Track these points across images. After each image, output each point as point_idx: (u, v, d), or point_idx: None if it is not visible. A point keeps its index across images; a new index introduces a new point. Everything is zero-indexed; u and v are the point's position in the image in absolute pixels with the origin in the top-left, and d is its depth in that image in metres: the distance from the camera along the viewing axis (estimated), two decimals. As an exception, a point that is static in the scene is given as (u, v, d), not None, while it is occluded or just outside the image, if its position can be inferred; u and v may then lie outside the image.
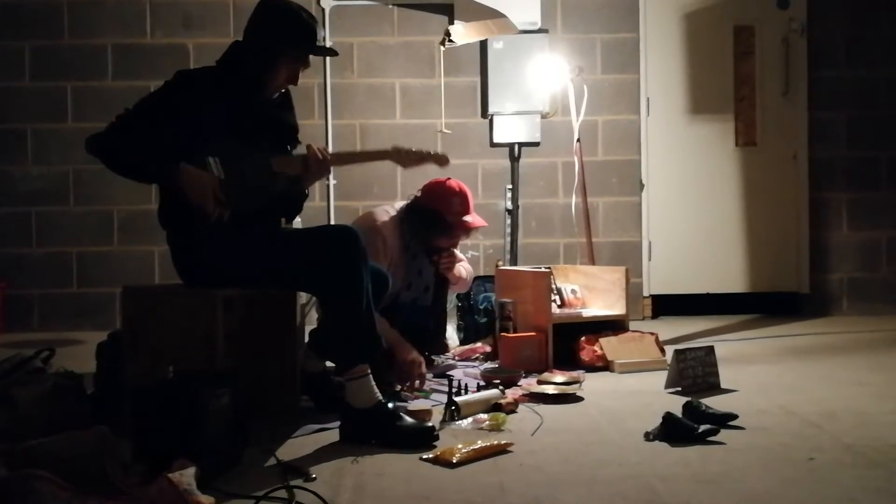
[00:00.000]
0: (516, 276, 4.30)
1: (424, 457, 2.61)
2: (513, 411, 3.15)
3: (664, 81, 5.75)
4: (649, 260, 5.77)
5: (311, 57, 3.07)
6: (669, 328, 5.07)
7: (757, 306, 5.79)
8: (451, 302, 4.42)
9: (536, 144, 5.63)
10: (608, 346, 3.98)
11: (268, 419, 3.01)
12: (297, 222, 4.14)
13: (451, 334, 4.46)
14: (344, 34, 5.62)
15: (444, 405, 3.10)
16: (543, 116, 5.59)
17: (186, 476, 2.17)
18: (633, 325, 4.33)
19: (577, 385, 3.45)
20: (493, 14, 5.21)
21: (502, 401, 3.17)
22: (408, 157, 3.20)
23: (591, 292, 4.39)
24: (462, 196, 3.89)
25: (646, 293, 5.76)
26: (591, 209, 5.41)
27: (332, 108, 5.65)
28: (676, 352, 3.54)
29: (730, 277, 5.80)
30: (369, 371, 2.86)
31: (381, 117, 5.67)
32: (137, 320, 2.97)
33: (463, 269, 4.06)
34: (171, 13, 5.63)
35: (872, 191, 5.82)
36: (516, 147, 5.59)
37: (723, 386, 3.52)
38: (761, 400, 3.31)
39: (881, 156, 5.83)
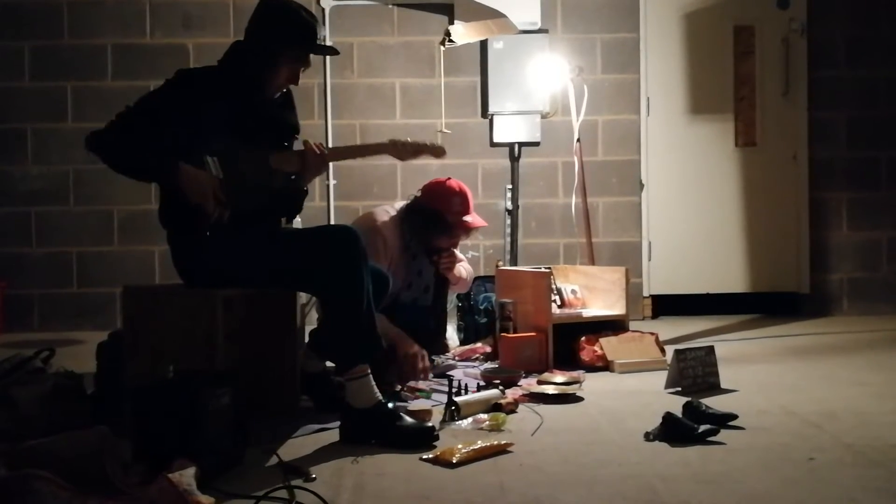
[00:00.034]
0: (516, 276, 4.30)
1: (424, 457, 2.61)
2: (513, 411, 3.15)
3: (664, 81, 5.74)
4: (649, 260, 5.77)
5: (311, 56, 3.07)
6: (669, 328, 5.06)
7: (757, 306, 5.78)
8: (452, 302, 4.42)
9: (536, 144, 5.63)
10: (608, 346, 3.98)
11: (268, 419, 3.01)
12: (297, 222, 4.15)
13: (452, 334, 4.46)
14: (344, 34, 5.62)
15: (444, 405, 3.10)
16: (543, 116, 5.59)
17: (186, 476, 2.17)
18: (633, 325, 4.33)
19: (578, 385, 3.45)
20: (493, 14, 5.21)
21: (502, 401, 3.17)
22: (405, 150, 3.21)
23: (591, 292, 4.39)
24: (462, 196, 3.89)
25: (646, 293, 5.76)
26: (591, 209, 5.41)
27: (332, 108, 5.64)
28: (676, 352, 3.54)
29: (730, 277, 5.80)
30: (369, 371, 2.86)
31: (381, 117, 5.67)
32: (138, 320, 2.98)
33: (463, 269, 4.07)
34: (171, 13, 5.63)
35: (872, 191, 5.82)
36: (516, 147, 5.59)
37: (723, 386, 3.52)
38: (761, 400, 3.31)
39: (881, 156, 5.83)
